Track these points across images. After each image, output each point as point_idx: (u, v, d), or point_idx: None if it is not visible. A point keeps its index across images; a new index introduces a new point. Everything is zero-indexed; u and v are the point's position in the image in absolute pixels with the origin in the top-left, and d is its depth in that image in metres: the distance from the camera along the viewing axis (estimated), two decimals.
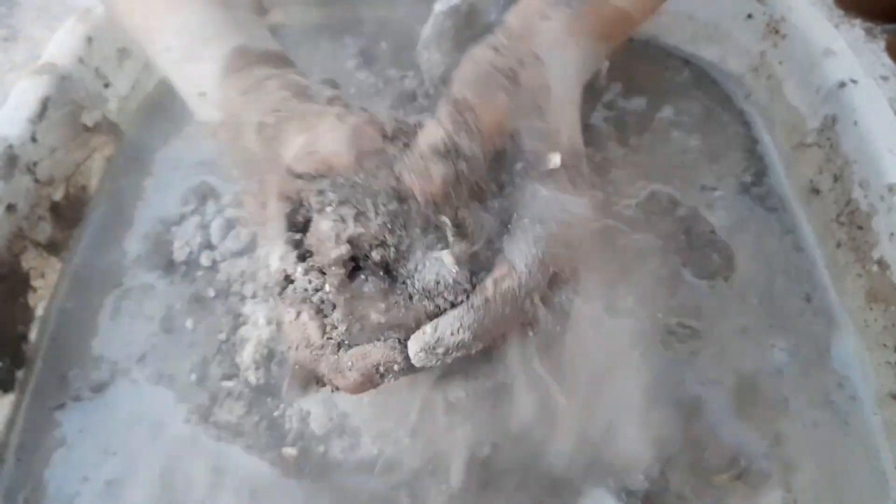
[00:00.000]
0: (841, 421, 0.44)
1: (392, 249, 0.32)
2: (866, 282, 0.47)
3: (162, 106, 0.60)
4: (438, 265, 0.31)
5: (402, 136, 0.33)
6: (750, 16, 0.59)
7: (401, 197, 0.32)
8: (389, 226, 0.32)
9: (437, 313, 0.31)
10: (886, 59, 0.66)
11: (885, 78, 0.64)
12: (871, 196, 0.47)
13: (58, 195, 0.50)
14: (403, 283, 0.32)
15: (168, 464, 0.41)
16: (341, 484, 0.40)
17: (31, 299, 0.47)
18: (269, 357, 0.44)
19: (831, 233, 0.50)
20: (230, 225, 0.51)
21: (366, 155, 0.32)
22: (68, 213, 0.51)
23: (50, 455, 0.42)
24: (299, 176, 0.33)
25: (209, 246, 0.50)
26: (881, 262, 0.45)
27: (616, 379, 0.42)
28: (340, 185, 0.32)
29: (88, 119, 0.54)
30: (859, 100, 0.49)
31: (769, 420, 0.44)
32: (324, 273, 0.32)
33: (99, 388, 0.44)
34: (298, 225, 0.34)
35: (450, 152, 0.30)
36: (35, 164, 0.48)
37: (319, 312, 0.31)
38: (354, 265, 0.32)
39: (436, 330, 0.30)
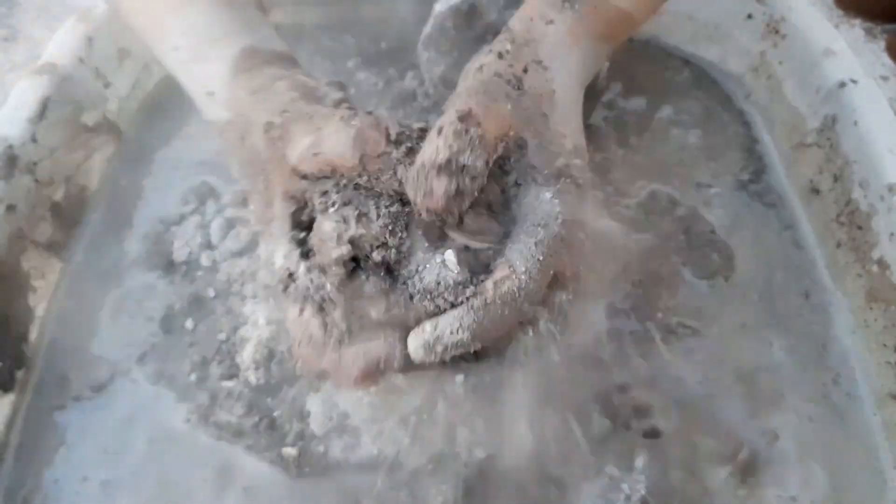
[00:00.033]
0: (838, 418, 0.44)
1: (393, 251, 0.32)
2: (866, 282, 0.47)
3: (162, 106, 0.60)
4: (440, 266, 0.32)
5: (406, 139, 0.33)
6: (750, 16, 0.59)
7: (403, 200, 0.32)
8: (391, 227, 0.32)
9: (438, 313, 0.31)
10: (886, 59, 0.66)
11: (885, 78, 0.64)
12: (871, 196, 0.47)
13: (58, 195, 0.50)
14: (405, 283, 0.32)
15: (168, 464, 0.42)
16: (341, 484, 0.40)
17: (31, 299, 0.47)
18: (269, 357, 0.44)
19: (831, 233, 0.51)
20: (230, 225, 0.51)
21: (369, 158, 0.32)
22: (68, 213, 0.51)
23: (50, 455, 0.42)
24: (304, 176, 0.33)
25: (209, 246, 0.50)
26: (881, 262, 0.45)
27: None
28: (344, 187, 0.33)
29: (88, 119, 0.54)
30: (859, 100, 0.49)
31: (767, 417, 0.44)
32: (325, 272, 0.32)
33: (99, 388, 0.44)
34: (303, 224, 0.35)
35: (452, 169, 0.30)
36: (35, 164, 0.48)
37: (321, 310, 0.32)
38: (356, 265, 0.32)
39: (435, 328, 0.30)
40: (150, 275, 0.49)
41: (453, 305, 0.31)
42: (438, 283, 0.31)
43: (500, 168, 0.34)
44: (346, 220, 0.32)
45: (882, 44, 0.68)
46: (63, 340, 0.47)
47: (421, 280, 0.32)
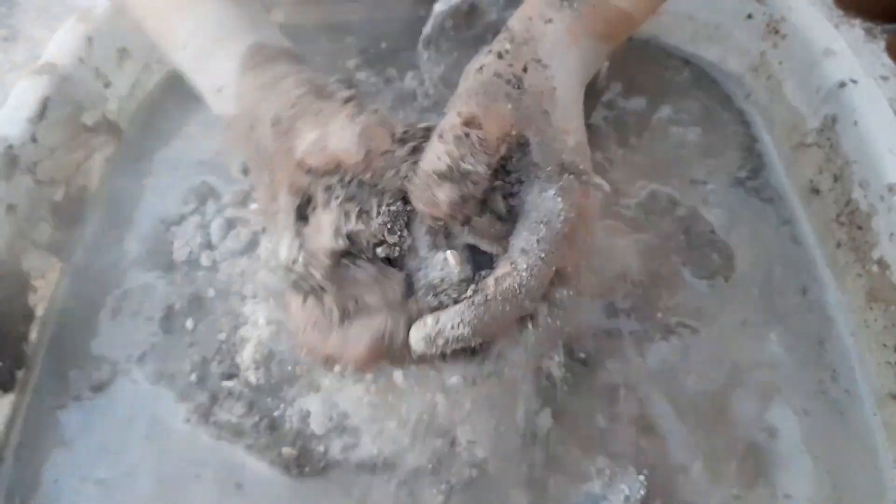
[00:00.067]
0: (837, 414, 0.44)
1: (396, 248, 0.32)
2: (866, 282, 0.47)
3: (162, 106, 0.60)
4: (443, 263, 0.32)
5: (411, 138, 0.34)
6: (750, 16, 0.59)
7: (406, 198, 0.33)
8: (389, 226, 0.32)
9: (440, 309, 0.32)
10: (886, 59, 0.66)
11: (885, 78, 0.64)
12: (871, 196, 0.47)
13: (58, 195, 0.50)
14: (409, 275, 0.32)
15: (168, 463, 0.42)
16: (341, 484, 0.40)
17: (31, 299, 0.47)
18: (269, 357, 0.44)
19: (831, 233, 0.51)
20: (230, 225, 0.51)
21: (374, 155, 0.33)
22: (68, 213, 0.51)
23: (50, 455, 0.42)
24: (310, 170, 0.34)
25: (209, 246, 0.50)
26: (881, 262, 0.45)
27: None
28: (348, 183, 0.33)
29: (88, 119, 0.54)
30: (859, 100, 0.49)
31: (767, 414, 0.44)
32: (313, 260, 0.33)
33: (99, 388, 0.45)
34: (307, 218, 0.35)
35: (455, 176, 0.31)
36: (35, 164, 0.48)
37: (321, 298, 0.32)
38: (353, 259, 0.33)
39: (437, 322, 0.31)
40: (150, 275, 0.49)
41: (456, 301, 0.31)
42: (442, 280, 0.32)
43: (503, 167, 0.34)
44: (347, 215, 0.32)
45: (882, 44, 0.68)
46: (63, 340, 0.47)
47: (425, 276, 0.32)
